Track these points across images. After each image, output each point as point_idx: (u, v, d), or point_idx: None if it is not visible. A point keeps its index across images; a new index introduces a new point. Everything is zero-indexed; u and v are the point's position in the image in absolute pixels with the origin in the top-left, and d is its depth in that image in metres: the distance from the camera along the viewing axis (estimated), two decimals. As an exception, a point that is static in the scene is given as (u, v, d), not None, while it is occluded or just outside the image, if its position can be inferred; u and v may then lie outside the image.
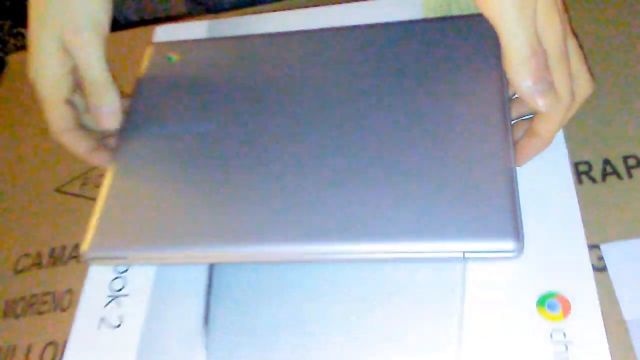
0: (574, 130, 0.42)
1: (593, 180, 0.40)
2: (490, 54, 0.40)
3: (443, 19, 0.45)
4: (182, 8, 0.70)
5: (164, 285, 0.39)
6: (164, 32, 0.52)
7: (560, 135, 0.40)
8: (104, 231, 0.38)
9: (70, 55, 0.41)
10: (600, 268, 0.37)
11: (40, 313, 0.44)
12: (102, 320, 0.38)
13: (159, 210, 0.38)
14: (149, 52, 0.48)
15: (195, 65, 0.46)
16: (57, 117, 0.42)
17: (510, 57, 0.33)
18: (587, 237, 0.37)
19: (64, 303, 0.44)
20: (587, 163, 0.41)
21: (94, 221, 0.39)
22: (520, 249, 0.33)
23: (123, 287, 0.40)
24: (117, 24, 0.65)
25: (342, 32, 0.45)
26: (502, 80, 0.39)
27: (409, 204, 0.35)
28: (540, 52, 0.33)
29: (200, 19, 0.53)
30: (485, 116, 0.38)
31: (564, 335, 0.32)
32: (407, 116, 0.39)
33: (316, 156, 0.38)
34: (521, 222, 0.34)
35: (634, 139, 0.41)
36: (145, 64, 0.48)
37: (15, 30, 1.27)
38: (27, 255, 0.48)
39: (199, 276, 0.39)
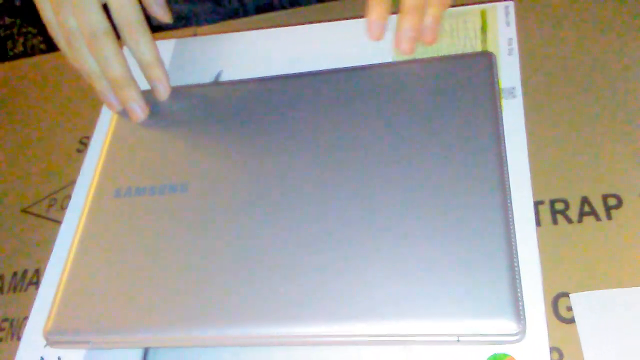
0: (552, 165, 0.39)
1: (569, 220, 0.37)
2: (486, 98, 0.38)
3: (434, 59, 0.42)
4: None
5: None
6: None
7: (525, 175, 0.37)
8: (65, 314, 0.36)
9: None
10: (567, 319, 0.34)
11: (-3, 340, 0.43)
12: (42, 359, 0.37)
13: (122, 289, 0.36)
14: (114, 118, 0.46)
15: (166, 123, 0.43)
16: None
17: None
18: (557, 284, 0.35)
19: (21, 331, 0.43)
20: (564, 201, 0.38)
21: (56, 302, 0.37)
22: (522, 331, 0.31)
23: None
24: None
25: (328, 76, 0.42)
26: (501, 138, 0.37)
27: (396, 280, 0.32)
28: None
29: (168, 38, 0.52)
30: (483, 182, 0.35)
31: (513, 402, 0.30)
32: (398, 181, 0.36)
33: (299, 230, 0.35)
34: (522, 300, 0.31)
35: (616, 176, 0.38)
36: (111, 130, 0.45)
37: (24, 30, 1.28)
38: (-11, 278, 0.47)
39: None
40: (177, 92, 0.45)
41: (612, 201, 0.37)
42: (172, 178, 0.39)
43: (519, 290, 0.31)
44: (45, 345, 0.37)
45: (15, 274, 0.46)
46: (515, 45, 0.42)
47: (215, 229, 0.36)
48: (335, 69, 0.42)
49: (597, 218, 0.37)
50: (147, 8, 0.48)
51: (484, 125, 0.36)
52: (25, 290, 0.45)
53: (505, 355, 0.31)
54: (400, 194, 0.35)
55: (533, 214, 0.35)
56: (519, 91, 0.40)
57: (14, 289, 0.46)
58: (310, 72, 0.43)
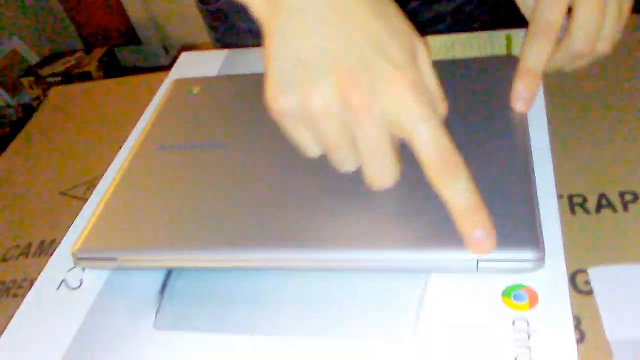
0: (571, 163, 0.41)
1: (587, 211, 0.39)
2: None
3: (464, 60, 0.45)
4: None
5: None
6: (186, 58, 0.56)
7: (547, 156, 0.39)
8: (95, 235, 0.38)
9: None
10: (586, 291, 0.34)
11: (15, 296, 0.44)
12: (63, 281, 0.38)
13: (152, 216, 0.38)
14: (171, 84, 0.51)
15: (214, 99, 0.48)
16: None
17: None
18: (576, 262, 0.35)
19: (39, 289, 0.43)
20: (581, 196, 0.40)
21: (88, 225, 0.39)
22: (541, 259, 0.31)
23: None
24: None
25: None
26: (526, 132, 0.39)
27: (417, 209, 0.33)
28: None
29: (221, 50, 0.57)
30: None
31: (528, 323, 0.29)
32: None
33: (324, 172, 0.37)
34: (541, 230, 0.32)
35: (633, 174, 0.40)
36: (167, 93, 0.50)
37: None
38: (17, 246, 0.48)
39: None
40: (223, 79, 0.50)
41: (628, 197, 0.39)
42: (213, 138, 0.42)
43: (538, 218, 0.32)
44: (69, 270, 0.38)
45: (42, 242, 0.48)
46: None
47: (243, 173, 0.39)
48: None
49: (614, 210, 0.38)
50: None
51: (512, 119, 0.39)
52: (52, 254, 0.46)
53: (521, 285, 0.31)
54: None
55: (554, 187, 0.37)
56: (541, 94, 0.43)
57: (39, 254, 0.47)
58: None
